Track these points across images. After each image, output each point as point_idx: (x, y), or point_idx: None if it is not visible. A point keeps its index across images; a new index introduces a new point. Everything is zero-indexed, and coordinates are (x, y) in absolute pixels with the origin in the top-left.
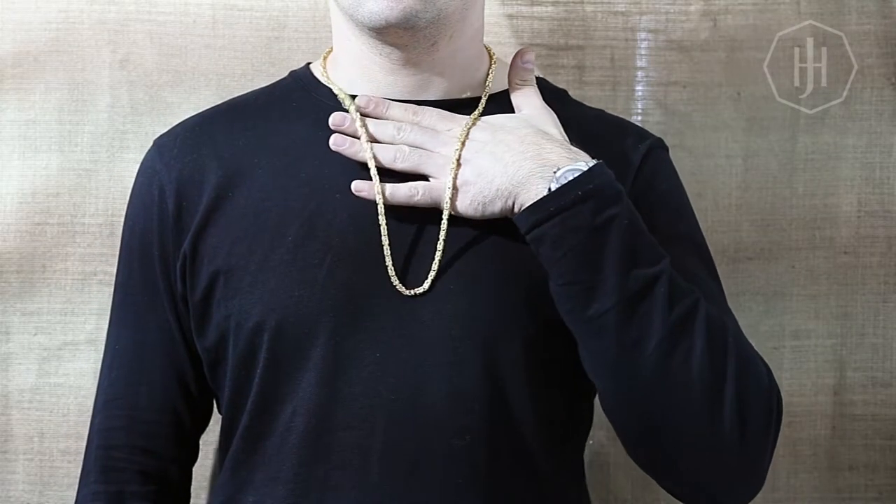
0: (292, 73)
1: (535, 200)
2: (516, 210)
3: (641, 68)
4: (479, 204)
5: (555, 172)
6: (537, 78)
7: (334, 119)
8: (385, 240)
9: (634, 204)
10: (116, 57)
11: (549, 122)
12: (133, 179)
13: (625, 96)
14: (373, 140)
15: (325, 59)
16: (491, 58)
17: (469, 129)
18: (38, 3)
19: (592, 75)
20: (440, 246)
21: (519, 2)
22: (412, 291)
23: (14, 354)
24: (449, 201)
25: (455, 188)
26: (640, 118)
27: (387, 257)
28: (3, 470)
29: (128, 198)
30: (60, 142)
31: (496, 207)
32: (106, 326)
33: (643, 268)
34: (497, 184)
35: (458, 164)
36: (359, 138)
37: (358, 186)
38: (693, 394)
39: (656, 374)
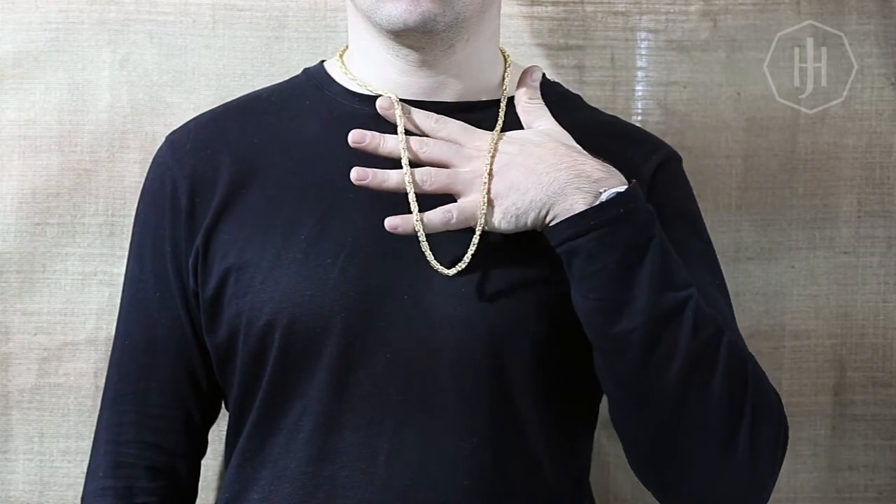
0: (306, 70)
1: (574, 213)
2: (549, 220)
3: (641, 68)
4: (512, 216)
5: (601, 192)
6: (553, 82)
7: (354, 136)
8: (425, 246)
9: None
10: (116, 57)
11: (567, 137)
12: (133, 179)
13: (625, 96)
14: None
15: (340, 57)
16: (506, 60)
17: (496, 142)
18: (38, 3)
19: (592, 75)
20: (468, 257)
21: (519, 2)
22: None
23: (14, 354)
24: (483, 216)
25: (489, 202)
26: (640, 118)
27: (427, 252)
28: (3, 470)
29: (126, 197)
30: (60, 142)
31: (529, 219)
32: (106, 326)
33: (674, 291)
34: (531, 195)
35: (491, 177)
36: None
37: (392, 223)
38: (711, 420)
39: (676, 398)
